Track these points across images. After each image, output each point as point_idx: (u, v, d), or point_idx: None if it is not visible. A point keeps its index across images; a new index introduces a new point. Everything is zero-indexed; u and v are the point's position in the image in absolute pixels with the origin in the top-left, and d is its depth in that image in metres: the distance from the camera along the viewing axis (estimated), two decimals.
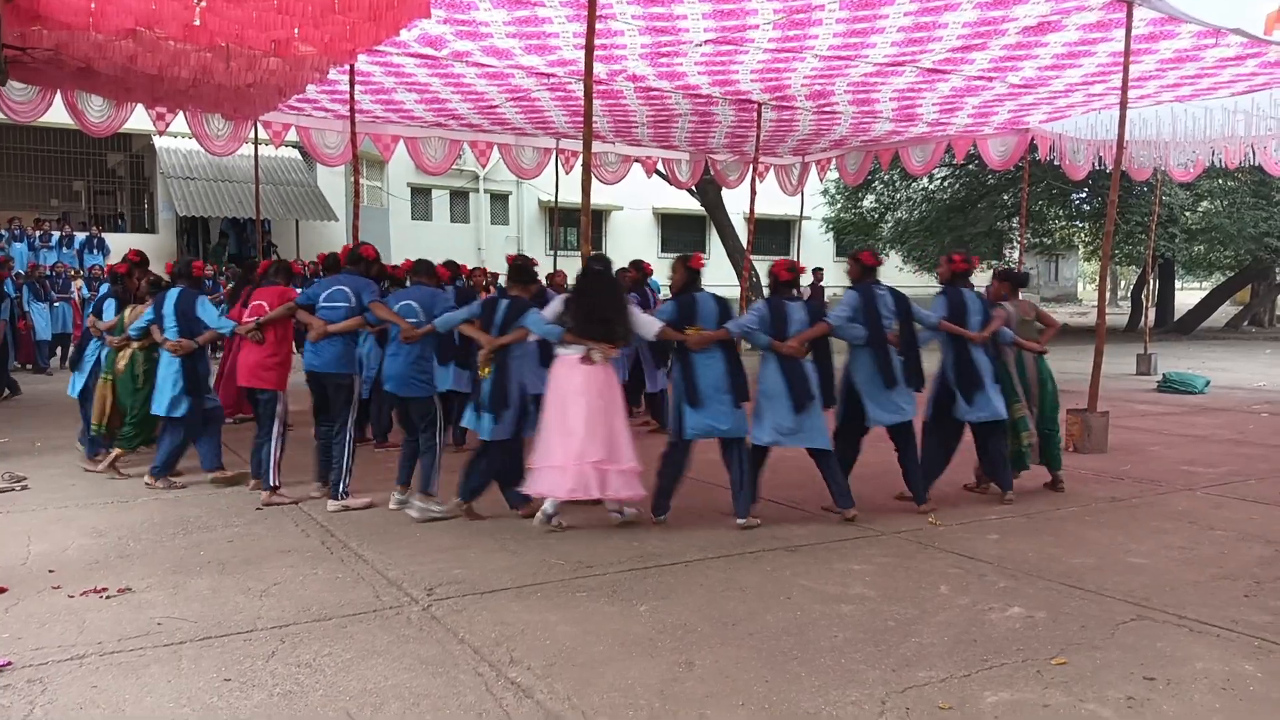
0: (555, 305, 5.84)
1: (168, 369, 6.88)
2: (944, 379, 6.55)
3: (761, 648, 3.92)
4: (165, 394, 6.85)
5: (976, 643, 3.98)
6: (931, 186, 27.24)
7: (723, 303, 5.97)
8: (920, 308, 6.41)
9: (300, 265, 17.17)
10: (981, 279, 17.39)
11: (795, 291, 6.88)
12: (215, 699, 3.41)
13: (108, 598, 4.47)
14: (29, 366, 15.26)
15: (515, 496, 6.05)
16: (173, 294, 6.91)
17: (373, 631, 4.07)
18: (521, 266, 6.35)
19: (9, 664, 3.68)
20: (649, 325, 5.80)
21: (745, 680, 3.61)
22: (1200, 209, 25.20)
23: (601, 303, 5.72)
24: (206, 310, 6.85)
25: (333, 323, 6.22)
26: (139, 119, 11.75)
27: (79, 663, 3.71)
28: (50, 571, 4.87)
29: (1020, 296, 7.14)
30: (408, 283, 6.85)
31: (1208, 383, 13.29)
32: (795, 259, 6.32)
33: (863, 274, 6.30)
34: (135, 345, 7.19)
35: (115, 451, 7.25)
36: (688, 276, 5.98)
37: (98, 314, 7.74)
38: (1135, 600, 4.53)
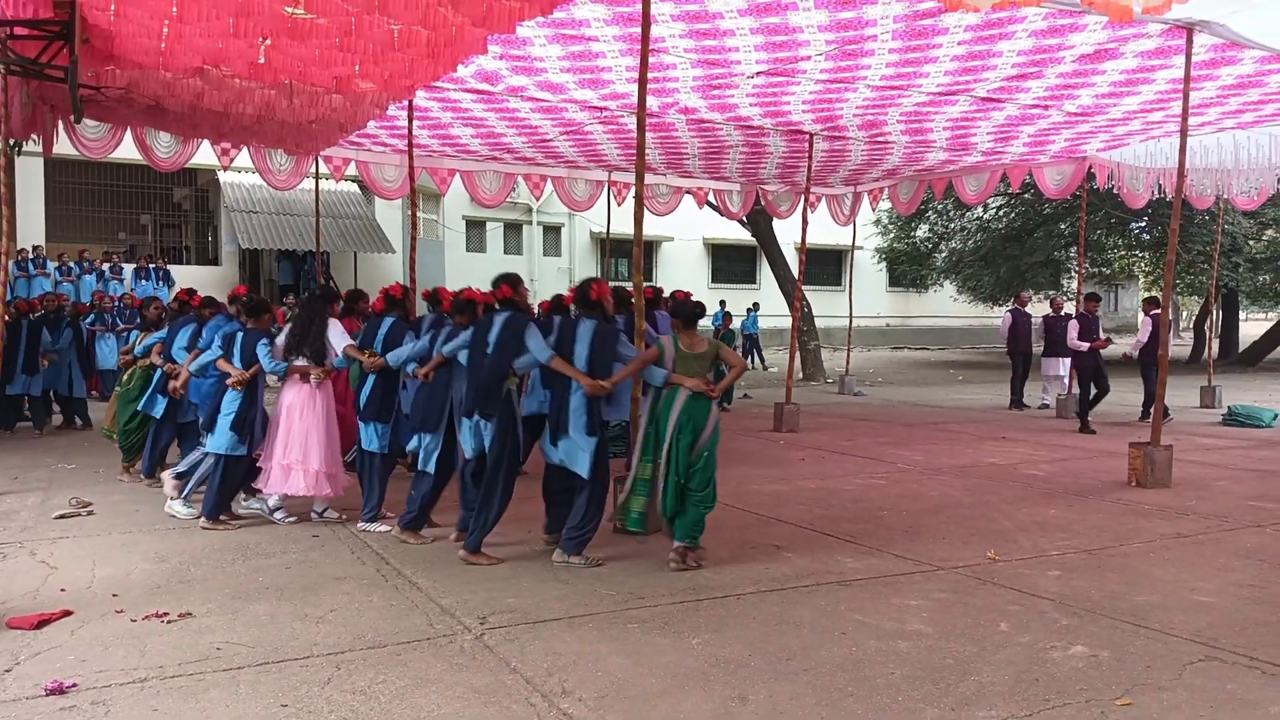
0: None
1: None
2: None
3: (816, 683, 3.86)
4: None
5: (1038, 682, 3.88)
6: (986, 216, 26.93)
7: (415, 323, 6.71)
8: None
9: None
10: (1037, 309, 17.24)
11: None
12: None
13: (169, 622, 4.56)
14: (94, 394, 15.66)
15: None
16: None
17: (426, 659, 4.10)
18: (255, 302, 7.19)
19: (74, 685, 3.76)
20: (339, 344, 6.73)
21: (799, 716, 3.55)
22: (1265, 237, 24.62)
23: (295, 326, 6.84)
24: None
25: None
26: (204, 154, 12.15)
27: (140, 686, 3.78)
28: (114, 595, 4.98)
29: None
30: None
31: (1276, 415, 12.87)
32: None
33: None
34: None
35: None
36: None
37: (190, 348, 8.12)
38: (1203, 640, 4.39)
